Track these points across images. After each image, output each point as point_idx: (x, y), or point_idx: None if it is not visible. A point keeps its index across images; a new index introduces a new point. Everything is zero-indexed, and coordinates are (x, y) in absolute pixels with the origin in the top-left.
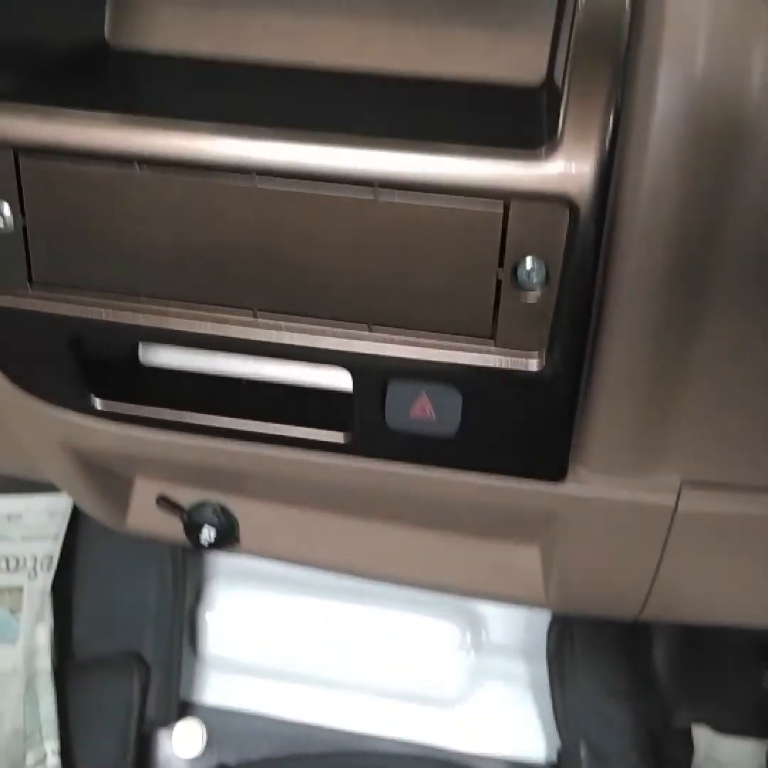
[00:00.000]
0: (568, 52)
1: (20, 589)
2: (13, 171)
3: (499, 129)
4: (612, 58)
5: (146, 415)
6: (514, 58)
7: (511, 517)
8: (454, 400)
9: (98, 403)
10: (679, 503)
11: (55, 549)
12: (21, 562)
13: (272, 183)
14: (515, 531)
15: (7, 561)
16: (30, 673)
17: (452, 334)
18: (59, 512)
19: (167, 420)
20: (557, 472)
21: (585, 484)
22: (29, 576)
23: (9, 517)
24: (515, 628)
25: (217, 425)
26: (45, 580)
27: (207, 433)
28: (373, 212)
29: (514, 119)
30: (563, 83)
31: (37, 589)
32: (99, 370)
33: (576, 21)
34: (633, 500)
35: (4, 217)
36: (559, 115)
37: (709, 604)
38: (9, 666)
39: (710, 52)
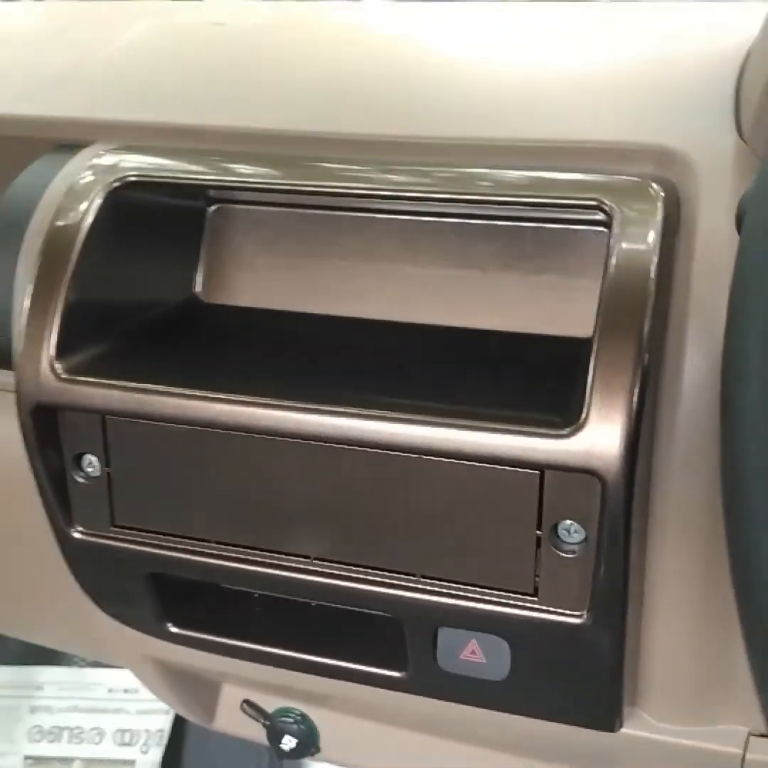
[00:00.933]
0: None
1: (133, 763)
2: (100, 430)
3: (537, 396)
4: (637, 331)
5: (217, 642)
6: (566, 313)
7: (577, 750)
8: (503, 647)
9: (173, 631)
10: (747, 753)
11: (166, 724)
12: (134, 736)
13: (328, 446)
14: (584, 761)
15: (123, 734)
16: None
17: (496, 588)
18: None
19: (235, 646)
20: (610, 722)
21: (645, 729)
22: (141, 750)
23: (126, 690)
24: None
25: (281, 655)
26: (156, 755)
27: (274, 664)
28: (419, 473)
29: (554, 383)
30: (590, 357)
31: (148, 763)
32: (174, 597)
33: (602, 292)
34: (697, 747)
35: (93, 468)
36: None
37: None
38: None
39: None
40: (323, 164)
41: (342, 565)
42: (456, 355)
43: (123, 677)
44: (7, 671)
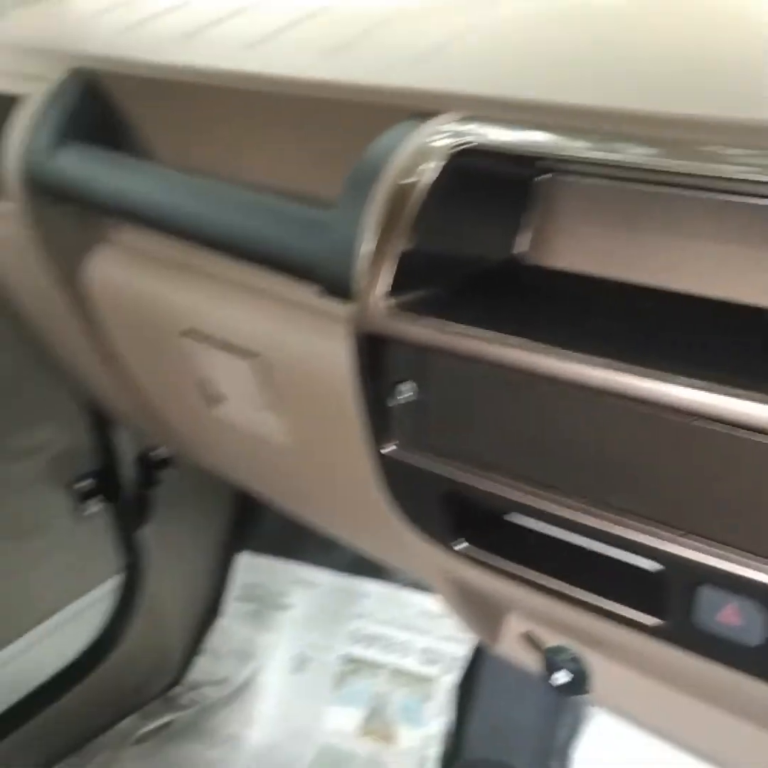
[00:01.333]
0: None
1: (431, 681)
2: (419, 361)
3: None
4: None
5: (500, 564)
6: None
7: None
8: (761, 614)
9: (462, 548)
10: None
11: (467, 651)
12: (438, 657)
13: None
14: None
15: (427, 653)
16: (421, 756)
17: (761, 555)
18: None
19: (513, 571)
20: None
21: None
22: (441, 671)
23: (437, 615)
24: None
25: (550, 585)
26: (454, 678)
27: (544, 592)
28: (694, 435)
29: None
30: None
31: (446, 684)
32: (467, 518)
33: None
34: None
35: (408, 394)
36: None
37: None
38: (406, 745)
39: None
40: (657, 141)
41: (621, 511)
42: (742, 331)
43: (436, 602)
44: (339, 577)
